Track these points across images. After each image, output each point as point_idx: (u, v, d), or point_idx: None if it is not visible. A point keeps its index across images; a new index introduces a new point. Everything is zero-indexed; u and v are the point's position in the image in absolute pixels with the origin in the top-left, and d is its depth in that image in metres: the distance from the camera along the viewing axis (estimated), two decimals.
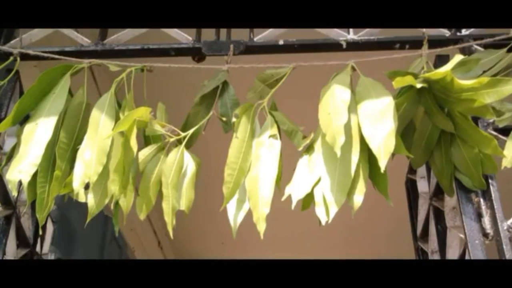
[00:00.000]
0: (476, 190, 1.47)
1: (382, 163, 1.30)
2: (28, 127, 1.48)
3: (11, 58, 1.67)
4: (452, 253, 1.66)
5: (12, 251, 1.79)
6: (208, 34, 1.73)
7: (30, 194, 1.48)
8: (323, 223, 1.35)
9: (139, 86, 1.56)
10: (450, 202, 1.63)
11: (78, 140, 1.49)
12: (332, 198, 1.34)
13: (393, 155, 1.35)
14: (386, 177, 1.38)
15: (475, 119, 1.49)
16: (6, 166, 1.52)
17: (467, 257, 1.42)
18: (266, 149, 1.45)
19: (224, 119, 1.56)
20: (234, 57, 1.65)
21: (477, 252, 1.40)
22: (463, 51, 1.62)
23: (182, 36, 1.73)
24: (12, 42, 1.75)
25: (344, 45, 1.68)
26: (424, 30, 1.60)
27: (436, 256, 1.77)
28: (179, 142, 1.50)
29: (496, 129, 1.50)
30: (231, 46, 1.67)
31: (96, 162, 1.42)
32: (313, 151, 1.43)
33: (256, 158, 1.44)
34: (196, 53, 1.73)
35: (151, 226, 4.00)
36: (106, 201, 1.44)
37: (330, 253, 4.11)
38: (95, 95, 1.76)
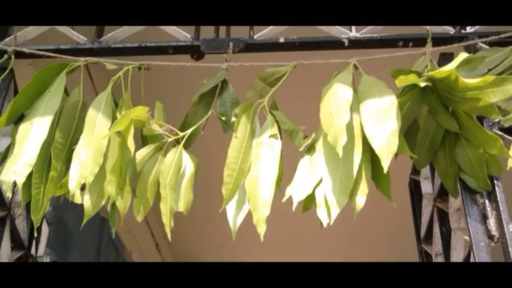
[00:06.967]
0: (481, 191, 1.46)
1: (385, 164, 1.30)
2: (23, 127, 1.48)
3: (6, 56, 1.66)
4: (457, 256, 1.67)
5: (6, 254, 1.81)
6: (207, 31, 1.73)
7: (25, 195, 1.48)
8: (325, 225, 1.35)
9: (136, 84, 1.57)
10: (454, 203, 1.63)
11: (74, 140, 1.49)
12: (334, 200, 1.34)
13: (396, 155, 1.35)
14: (389, 178, 1.38)
15: (480, 119, 1.48)
16: (0, 167, 1.51)
17: (472, 260, 1.42)
18: (266, 149, 1.45)
19: (223, 118, 1.56)
20: (233, 55, 1.65)
21: (482, 255, 1.40)
22: (467, 49, 1.61)
23: (180, 33, 1.73)
24: (6, 40, 1.75)
25: (346, 43, 1.68)
26: (428, 27, 1.60)
27: (440, 259, 1.78)
28: (177, 142, 1.50)
29: (501, 129, 1.49)
30: (231, 44, 1.67)
31: (92, 162, 1.42)
32: (315, 151, 1.43)
33: (256, 158, 1.44)
34: (195, 51, 1.73)
35: (148, 228, 4.05)
36: (103, 202, 1.44)
37: (331, 256, 4.17)
38: (91, 94, 1.81)
